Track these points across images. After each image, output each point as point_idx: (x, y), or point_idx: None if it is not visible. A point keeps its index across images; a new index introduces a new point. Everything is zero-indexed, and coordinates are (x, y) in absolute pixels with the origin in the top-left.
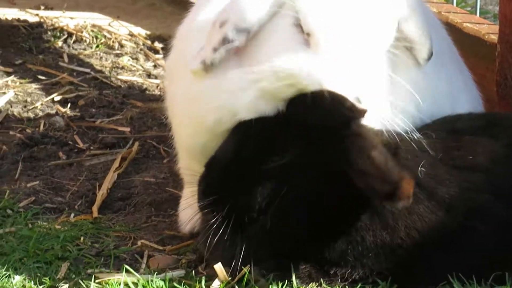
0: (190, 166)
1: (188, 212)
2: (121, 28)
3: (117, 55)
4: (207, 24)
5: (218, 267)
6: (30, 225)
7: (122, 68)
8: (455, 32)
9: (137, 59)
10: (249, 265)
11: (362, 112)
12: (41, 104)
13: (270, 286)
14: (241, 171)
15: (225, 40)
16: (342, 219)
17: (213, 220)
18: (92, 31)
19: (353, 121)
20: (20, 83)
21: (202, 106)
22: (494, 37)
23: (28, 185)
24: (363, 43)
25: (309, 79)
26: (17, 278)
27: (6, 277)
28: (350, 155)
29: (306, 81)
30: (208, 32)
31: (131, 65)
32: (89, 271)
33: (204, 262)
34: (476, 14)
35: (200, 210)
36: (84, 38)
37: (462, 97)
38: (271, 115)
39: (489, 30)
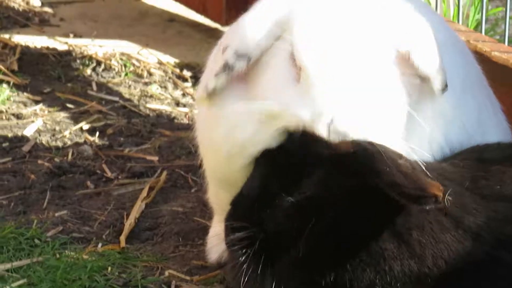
0: (218, 195)
1: (216, 242)
2: (150, 56)
3: (146, 84)
4: None
5: None
6: (57, 255)
7: (151, 96)
8: (484, 61)
9: (165, 87)
10: None
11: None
12: (70, 133)
13: None
14: (268, 206)
15: (225, 66)
16: (370, 249)
17: (243, 257)
18: (121, 59)
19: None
20: (49, 111)
21: (214, 135)
22: None
23: (56, 214)
24: (360, 77)
25: (292, 119)
26: None
27: None
28: (377, 167)
29: (290, 122)
30: (214, 56)
31: (159, 93)
32: None
33: None
34: (504, 42)
35: (228, 247)
36: (113, 66)
37: (491, 126)
38: (288, 146)
39: None
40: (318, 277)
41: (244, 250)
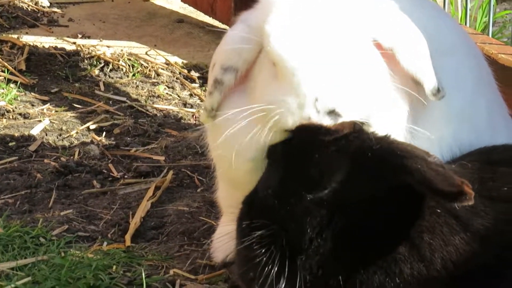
0: (229, 195)
1: (223, 241)
2: (158, 57)
3: (153, 84)
4: None
5: None
6: (62, 254)
7: (158, 97)
8: (490, 63)
9: (173, 88)
10: None
11: (339, 131)
12: (76, 133)
13: None
14: (287, 203)
15: (216, 82)
16: (382, 250)
17: (265, 256)
18: (129, 59)
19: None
20: (56, 111)
21: (219, 140)
22: None
23: (62, 213)
24: (332, 61)
25: (282, 116)
26: None
27: None
28: (408, 164)
29: (281, 119)
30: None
31: (167, 94)
32: None
33: None
34: (511, 45)
35: (249, 245)
36: (120, 67)
37: (500, 128)
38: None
39: None
40: (331, 278)
41: (266, 249)
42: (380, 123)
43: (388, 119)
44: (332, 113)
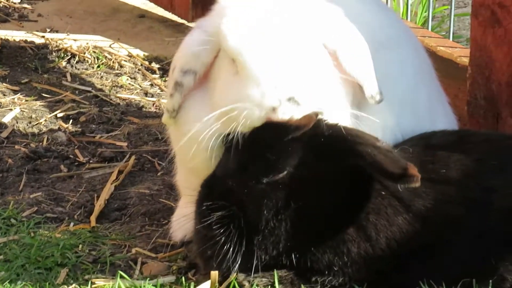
0: (187, 179)
1: (181, 222)
2: (121, 50)
3: (117, 75)
4: None
5: (215, 274)
6: (32, 234)
7: (121, 87)
8: (430, 55)
9: (135, 78)
10: (236, 272)
11: (306, 126)
12: (45, 120)
13: None
14: (244, 187)
15: (176, 85)
16: (332, 231)
17: (223, 236)
18: (94, 52)
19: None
20: (26, 100)
21: (180, 132)
22: (466, 60)
23: (31, 196)
24: (292, 53)
25: (241, 110)
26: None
27: (9, 282)
28: (358, 149)
29: (240, 114)
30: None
31: (129, 84)
32: (86, 277)
33: (194, 269)
34: (449, 38)
35: (208, 226)
36: (86, 59)
37: (440, 115)
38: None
39: (461, 54)
40: (282, 256)
41: (224, 229)
42: (331, 111)
43: (337, 108)
44: (291, 100)
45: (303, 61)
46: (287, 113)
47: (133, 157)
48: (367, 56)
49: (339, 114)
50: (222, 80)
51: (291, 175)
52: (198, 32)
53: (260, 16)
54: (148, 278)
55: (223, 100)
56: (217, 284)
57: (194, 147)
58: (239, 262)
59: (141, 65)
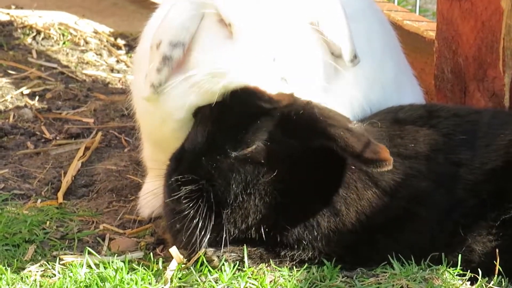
0: (154, 155)
1: (149, 197)
2: (87, 26)
3: (82, 51)
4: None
5: (174, 250)
6: None
7: (87, 63)
8: (396, 29)
9: (101, 55)
10: (204, 248)
11: (279, 102)
12: (11, 97)
13: (223, 266)
14: (214, 160)
15: (165, 59)
16: (301, 205)
17: (193, 210)
18: (59, 29)
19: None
20: None
21: (147, 104)
22: (432, 34)
23: None
24: (282, 26)
25: (232, 74)
26: None
27: None
28: (330, 132)
29: (230, 77)
30: (149, 57)
31: (95, 60)
32: (54, 253)
33: (162, 245)
34: (416, 12)
35: (177, 199)
36: (51, 36)
37: (407, 88)
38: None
39: (427, 28)
40: (251, 230)
41: (193, 203)
42: (308, 88)
43: (314, 84)
44: (283, 78)
45: (296, 40)
46: (273, 88)
47: (99, 134)
48: (346, 24)
49: (313, 90)
50: (207, 42)
51: (260, 150)
52: (184, 2)
53: None
54: (116, 254)
55: (208, 60)
56: (184, 260)
57: (167, 120)
58: (208, 236)
59: (107, 41)
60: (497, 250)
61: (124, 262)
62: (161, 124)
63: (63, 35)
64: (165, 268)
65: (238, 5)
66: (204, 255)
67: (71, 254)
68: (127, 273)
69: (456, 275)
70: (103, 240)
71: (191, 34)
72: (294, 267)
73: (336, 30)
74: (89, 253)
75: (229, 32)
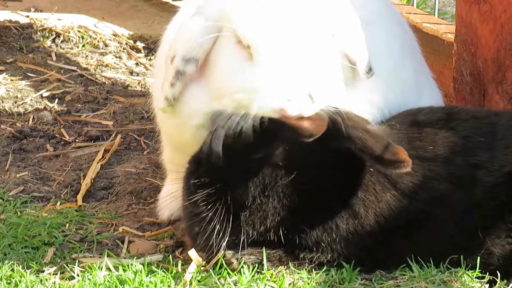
0: (174, 158)
1: (168, 200)
2: (106, 29)
3: (102, 54)
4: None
5: (193, 253)
6: (19, 213)
7: (106, 66)
8: (415, 32)
9: (120, 57)
10: (223, 250)
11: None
12: (31, 100)
13: (242, 269)
14: (232, 164)
15: (177, 73)
16: (320, 208)
17: (210, 212)
18: (79, 31)
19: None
20: (11, 80)
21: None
22: (451, 37)
23: (18, 175)
24: (300, 41)
25: (258, 103)
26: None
27: None
28: (349, 133)
29: (257, 107)
30: (165, 68)
31: (114, 63)
32: (74, 255)
33: (181, 247)
34: (435, 15)
35: (196, 202)
36: (71, 38)
37: (425, 90)
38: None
39: (446, 30)
40: (273, 232)
41: (211, 205)
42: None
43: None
44: (308, 95)
45: (318, 55)
46: (302, 108)
47: (119, 136)
48: (361, 35)
49: (335, 97)
50: (228, 66)
51: (278, 151)
52: (199, 18)
53: (274, 3)
54: (135, 257)
55: (233, 85)
56: (203, 262)
57: (185, 127)
58: (226, 238)
59: (126, 44)
60: None
61: (143, 264)
62: (180, 129)
63: (83, 37)
64: (184, 270)
65: (254, 26)
66: (223, 258)
67: (90, 257)
68: (146, 276)
69: (475, 278)
70: (122, 242)
71: (205, 50)
72: (313, 269)
73: (351, 43)
74: (108, 255)
75: (249, 54)
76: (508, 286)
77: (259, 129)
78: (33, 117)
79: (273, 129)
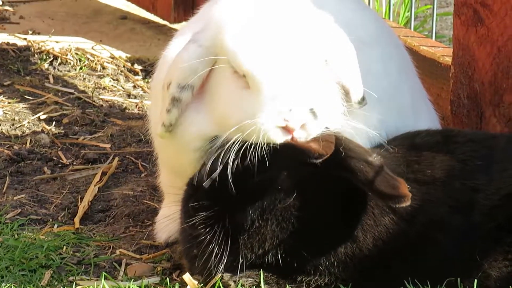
0: (171, 181)
1: (165, 223)
2: (103, 51)
3: (99, 77)
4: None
5: (187, 277)
6: (16, 236)
7: (104, 88)
8: (413, 55)
9: (117, 80)
10: (221, 273)
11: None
12: (28, 122)
13: None
14: (231, 187)
15: (173, 100)
16: (318, 232)
17: (208, 235)
18: (76, 54)
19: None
20: (9, 102)
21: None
22: (449, 60)
23: (15, 198)
24: (296, 69)
25: (257, 121)
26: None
27: None
28: (350, 165)
29: (256, 124)
30: (161, 94)
31: (112, 85)
32: (71, 278)
33: (179, 270)
34: (432, 38)
35: (193, 225)
36: (68, 61)
37: (422, 113)
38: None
39: (444, 53)
40: (271, 255)
41: (209, 228)
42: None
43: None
44: (310, 111)
45: (314, 79)
46: (305, 120)
47: (116, 159)
48: (355, 63)
49: (335, 119)
50: (227, 95)
51: (277, 175)
52: (194, 46)
53: (265, 31)
54: (132, 279)
55: (234, 115)
56: (199, 286)
57: (184, 151)
58: (224, 261)
59: (124, 66)
60: None
61: (140, 287)
62: (178, 153)
63: (80, 60)
64: None
65: (248, 56)
66: (220, 280)
67: (88, 279)
68: None
69: None
70: (120, 265)
71: (200, 77)
72: None
73: (345, 72)
74: (106, 278)
75: (245, 83)
76: None
77: (259, 153)
78: (31, 139)
79: (274, 153)
